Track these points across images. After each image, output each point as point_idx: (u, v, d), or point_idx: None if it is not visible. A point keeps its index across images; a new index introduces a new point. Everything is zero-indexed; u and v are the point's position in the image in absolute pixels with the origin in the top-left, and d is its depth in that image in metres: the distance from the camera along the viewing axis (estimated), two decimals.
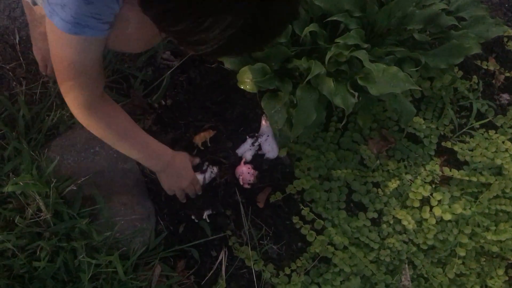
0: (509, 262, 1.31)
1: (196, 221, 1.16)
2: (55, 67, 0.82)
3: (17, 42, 1.20)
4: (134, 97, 1.17)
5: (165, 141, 1.10)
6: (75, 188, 1.01)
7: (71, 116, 1.04)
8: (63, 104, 1.08)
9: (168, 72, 1.19)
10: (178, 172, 1.08)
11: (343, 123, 1.16)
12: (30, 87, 1.14)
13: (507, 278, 1.29)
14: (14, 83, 1.14)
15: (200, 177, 1.15)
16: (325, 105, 1.17)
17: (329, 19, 1.16)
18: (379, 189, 1.26)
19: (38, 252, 1.00)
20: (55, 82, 1.13)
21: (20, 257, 0.99)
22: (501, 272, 1.29)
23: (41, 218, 0.99)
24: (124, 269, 1.05)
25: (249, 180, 1.19)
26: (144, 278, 1.08)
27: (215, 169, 1.17)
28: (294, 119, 1.13)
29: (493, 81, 1.46)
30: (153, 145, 1.02)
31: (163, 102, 1.22)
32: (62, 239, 1.02)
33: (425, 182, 1.28)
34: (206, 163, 1.17)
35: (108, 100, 0.92)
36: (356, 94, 1.14)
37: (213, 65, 1.26)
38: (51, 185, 0.97)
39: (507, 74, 1.47)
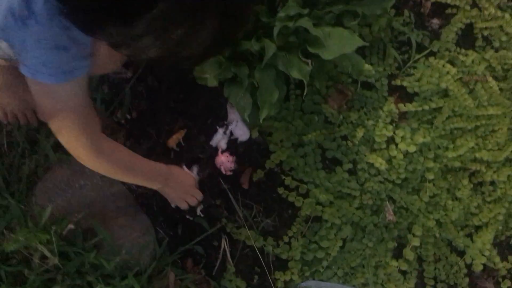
0: (470, 171, 1.61)
1: (191, 219, 1.33)
2: (49, 120, 0.91)
3: None
4: (100, 118, 1.27)
5: (141, 153, 1.24)
6: (73, 226, 1.14)
7: (46, 158, 1.14)
8: (33, 148, 1.18)
9: (128, 86, 1.30)
10: (175, 184, 1.23)
11: (305, 93, 1.35)
12: None
13: (471, 186, 1.60)
14: None
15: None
16: (283, 80, 1.35)
17: None
18: (348, 141, 1.49)
19: None
20: (18, 128, 1.21)
21: None
22: (465, 182, 1.59)
23: (49, 264, 1.12)
24: (140, 285, 1.21)
25: (230, 167, 1.37)
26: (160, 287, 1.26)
27: (195, 169, 1.34)
28: (259, 101, 1.30)
29: (422, 10, 1.70)
30: (151, 166, 1.17)
31: (129, 116, 1.34)
32: (75, 277, 1.16)
33: (386, 123, 1.52)
34: (185, 168, 1.33)
35: (104, 136, 1.03)
36: (309, 61, 1.32)
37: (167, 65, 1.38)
38: (51, 232, 1.10)
39: (433, 0, 1.71)
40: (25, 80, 1.02)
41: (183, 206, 1.29)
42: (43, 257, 1.13)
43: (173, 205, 1.30)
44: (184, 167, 1.31)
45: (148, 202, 1.30)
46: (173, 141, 1.34)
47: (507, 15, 1.73)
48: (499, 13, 1.73)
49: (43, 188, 1.19)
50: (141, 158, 1.14)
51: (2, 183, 1.18)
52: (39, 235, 1.10)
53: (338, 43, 1.29)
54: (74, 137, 0.94)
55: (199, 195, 1.30)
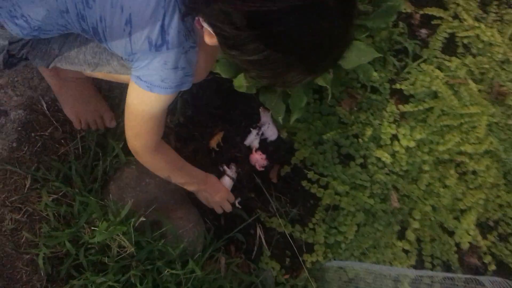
0: (456, 162, 2.02)
1: (228, 211, 1.64)
2: (132, 123, 1.21)
3: (45, 108, 1.49)
4: None
5: (187, 153, 1.55)
6: (144, 219, 1.42)
7: (116, 159, 1.42)
8: (104, 150, 1.45)
9: (178, 95, 1.60)
10: (211, 190, 1.57)
11: (329, 98, 1.69)
12: (71, 145, 1.47)
13: (457, 175, 2.02)
14: (57, 145, 1.45)
15: (228, 180, 1.62)
16: (310, 87, 1.69)
17: None
18: (359, 139, 1.86)
19: (133, 280, 1.41)
20: (90, 134, 1.47)
21: None
22: (452, 172, 2.01)
23: (127, 252, 1.40)
24: (197, 266, 1.51)
25: (263, 164, 1.70)
26: (213, 270, 1.56)
27: (233, 167, 1.65)
28: (291, 106, 1.64)
29: (412, 21, 2.10)
30: (193, 171, 1.49)
31: (177, 121, 1.63)
32: (146, 263, 1.44)
33: (389, 122, 1.90)
34: (225, 167, 1.64)
35: (162, 140, 1.32)
36: (331, 71, 1.67)
37: (209, 77, 1.68)
38: (130, 224, 1.37)
39: (421, 12, 2.11)
40: (95, 92, 1.33)
41: (217, 210, 1.60)
42: (120, 246, 1.40)
43: (208, 206, 1.61)
44: (225, 177, 1.61)
45: (196, 197, 1.60)
46: (213, 142, 1.65)
47: (482, 26, 2.16)
48: (476, 24, 2.16)
49: (116, 186, 1.47)
50: (186, 162, 1.45)
51: (80, 183, 1.43)
52: (119, 227, 1.37)
53: (357, 54, 1.65)
54: (144, 136, 1.24)
55: (229, 206, 1.62)
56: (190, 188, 1.56)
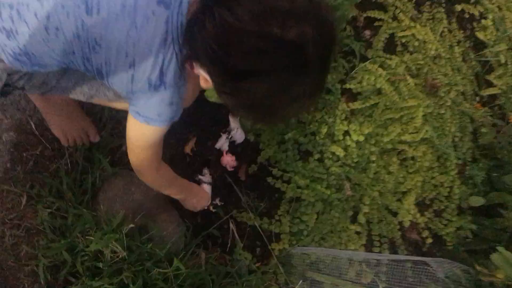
0: (398, 150, 2.33)
1: (214, 210, 1.85)
2: (135, 151, 1.37)
3: (34, 128, 1.59)
4: None
5: (165, 159, 1.72)
6: (133, 225, 1.60)
7: (102, 172, 1.58)
8: (91, 164, 1.60)
9: None
10: (198, 198, 1.79)
11: None
12: (61, 161, 1.59)
13: (399, 162, 2.32)
14: (47, 162, 1.57)
15: (207, 187, 1.82)
16: None
17: None
18: (316, 136, 2.11)
19: (126, 281, 1.59)
20: (76, 149, 1.61)
21: None
22: (395, 159, 2.31)
23: (119, 256, 1.57)
24: (181, 263, 1.71)
25: (233, 164, 1.91)
26: (194, 265, 1.77)
27: (207, 171, 1.85)
28: None
29: (357, 23, 2.35)
30: (184, 183, 1.67)
31: None
32: (137, 265, 1.62)
33: (341, 120, 2.16)
34: (199, 176, 1.84)
35: (161, 161, 1.50)
36: None
37: None
38: (123, 231, 1.55)
39: (365, 15, 2.36)
40: (79, 111, 1.48)
41: (196, 210, 1.83)
42: (112, 252, 1.57)
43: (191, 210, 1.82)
44: (203, 185, 1.82)
45: (175, 200, 1.79)
46: (188, 148, 1.84)
47: (418, 25, 2.45)
48: (412, 24, 2.45)
49: (105, 196, 1.62)
50: (177, 176, 1.63)
51: (71, 196, 1.57)
52: (112, 235, 1.54)
53: None
54: (147, 161, 1.41)
55: (208, 203, 1.84)
56: (180, 197, 1.75)
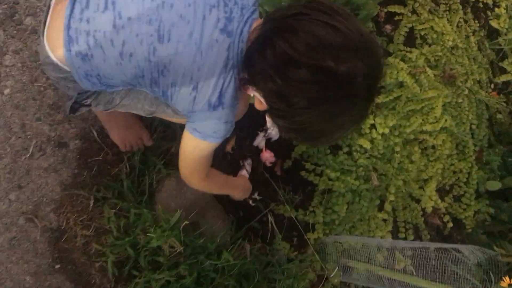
0: (419, 140, 2.52)
1: (254, 204, 2.04)
2: (187, 162, 1.52)
3: (96, 136, 1.77)
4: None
5: None
6: (187, 222, 1.79)
7: (157, 174, 1.77)
8: (147, 166, 1.79)
9: None
10: (244, 190, 1.96)
11: None
12: (121, 165, 1.78)
13: (420, 151, 2.52)
14: (109, 167, 1.76)
15: (244, 173, 2.01)
16: None
17: None
18: None
19: (183, 273, 1.79)
20: (133, 154, 1.80)
21: (172, 281, 1.78)
22: (416, 148, 2.50)
23: (177, 251, 1.77)
24: (230, 255, 1.91)
25: (272, 160, 2.10)
26: (239, 256, 1.97)
27: (249, 160, 2.04)
28: None
29: (378, 19, 2.52)
30: (231, 181, 1.86)
31: None
32: (191, 258, 1.82)
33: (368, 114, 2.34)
34: (243, 161, 2.03)
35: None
36: None
37: None
38: (179, 228, 1.74)
39: (385, 10, 2.53)
40: (135, 119, 1.66)
41: (241, 199, 2.02)
42: (170, 247, 1.76)
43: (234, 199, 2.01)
44: (243, 170, 2.00)
45: (220, 196, 1.98)
46: (229, 147, 2.02)
47: (436, 18, 2.62)
48: (430, 17, 2.62)
49: (161, 196, 1.81)
50: (225, 176, 1.82)
51: (132, 197, 1.76)
52: (171, 232, 1.73)
53: None
54: (197, 171, 1.58)
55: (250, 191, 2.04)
56: (228, 192, 1.94)
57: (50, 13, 1.35)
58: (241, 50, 1.30)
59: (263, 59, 1.18)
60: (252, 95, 1.31)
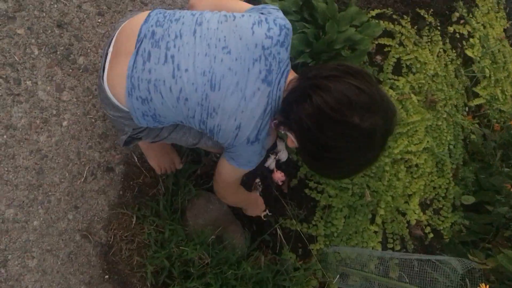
0: (405, 159, 2.91)
1: (265, 219, 2.37)
2: (223, 184, 1.87)
3: (137, 161, 2.06)
4: (205, 162, 2.22)
5: None
6: (214, 237, 2.11)
7: (188, 193, 2.08)
8: (178, 187, 2.09)
9: None
10: (255, 204, 2.29)
11: None
12: (157, 187, 2.08)
13: (405, 169, 2.91)
14: (147, 188, 2.05)
15: (256, 191, 2.35)
16: None
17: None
18: None
19: (209, 282, 2.11)
20: (167, 177, 2.10)
21: None
22: (402, 167, 2.89)
23: (205, 262, 2.09)
24: (248, 265, 2.24)
25: (283, 179, 2.44)
26: (254, 266, 2.30)
27: (258, 179, 2.37)
28: None
29: (370, 50, 2.90)
30: (251, 196, 2.19)
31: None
32: (216, 269, 2.14)
33: None
34: (257, 180, 2.36)
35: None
36: None
37: None
38: (208, 243, 2.06)
39: (376, 42, 2.92)
40: (169, 146, 2.00)
41: (254, 215, 2.34)
42: (200, 258, 2.07)
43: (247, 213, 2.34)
44: (256, 191, 2.34)
45: (236, 211, 2.30)
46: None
47: (419, 49, 3.01)
48: (414, 48, 3.01)
49: (191, 214, 2.12)
50: (248, 192, 2.15)
51: (167, 214, 2.07)
52: (201, 246, 2.04)
53: None
54: (229, 190, 1.92)
55: (263, 208, 2.36)
56: (244, 206, 2.27)
57: (107, 61, 1.63)
58: (279, 97, 1.61)
59: (300, 109, 1.45)
60: (283, 132, 1.62)
